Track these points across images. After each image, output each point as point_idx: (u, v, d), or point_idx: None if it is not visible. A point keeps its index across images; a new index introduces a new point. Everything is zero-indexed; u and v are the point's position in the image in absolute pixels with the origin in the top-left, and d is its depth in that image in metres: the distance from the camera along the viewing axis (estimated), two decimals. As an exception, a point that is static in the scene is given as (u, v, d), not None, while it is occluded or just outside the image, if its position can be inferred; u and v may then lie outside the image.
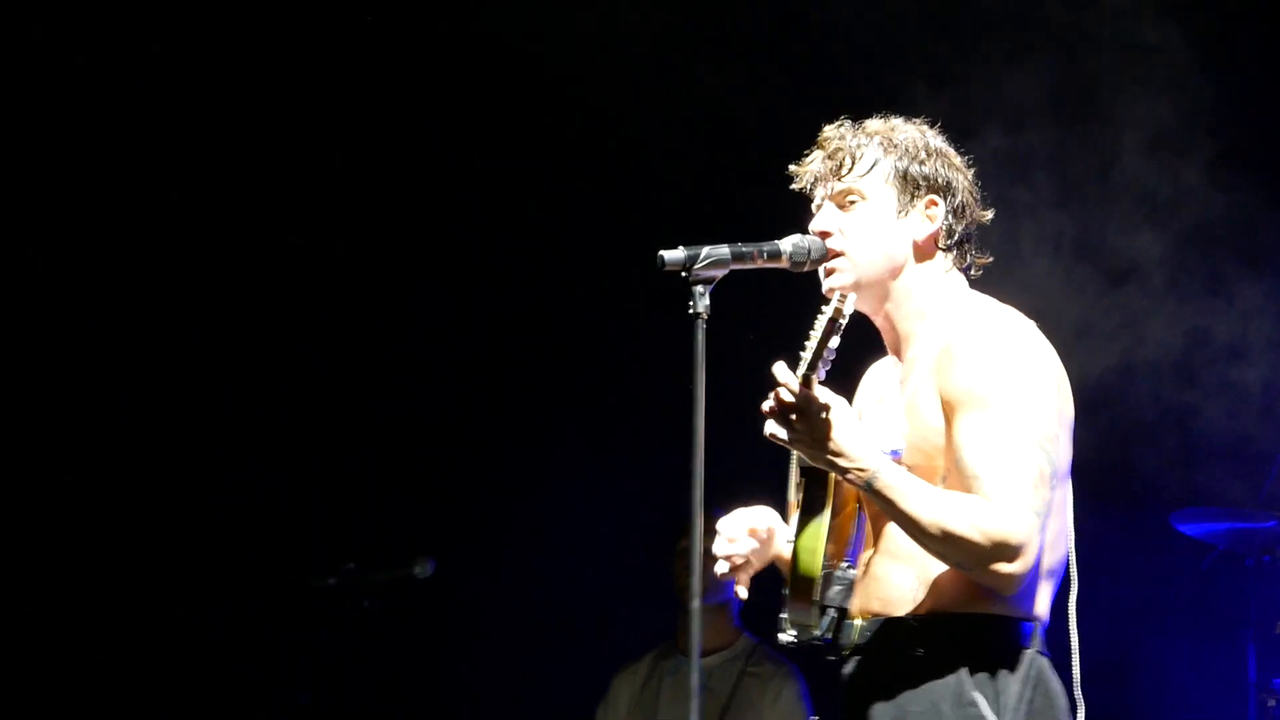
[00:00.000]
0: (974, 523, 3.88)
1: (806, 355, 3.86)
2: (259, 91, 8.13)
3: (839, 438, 3.92)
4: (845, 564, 4.18)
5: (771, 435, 3.97)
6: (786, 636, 4.21)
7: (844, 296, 3.84)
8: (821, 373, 3.87)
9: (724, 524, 4.32)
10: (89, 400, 8.19)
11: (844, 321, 3.83)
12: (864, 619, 4.16)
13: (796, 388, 3.88)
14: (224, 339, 8.27)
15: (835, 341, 3.85)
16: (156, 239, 8.19)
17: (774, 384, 3.92)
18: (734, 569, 4.30)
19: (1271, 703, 6.92)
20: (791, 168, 4.31)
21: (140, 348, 8.21)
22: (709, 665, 7.23)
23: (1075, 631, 4.16)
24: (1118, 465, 7.32)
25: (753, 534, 4.30)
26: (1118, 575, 7.16)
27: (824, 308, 3.83)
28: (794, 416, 3.91)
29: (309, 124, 8.24)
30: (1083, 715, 4.14)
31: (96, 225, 8.11)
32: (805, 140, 4.35)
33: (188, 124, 8.09)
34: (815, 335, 3.85)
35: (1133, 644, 7.31)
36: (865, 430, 4.18)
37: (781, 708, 7.21)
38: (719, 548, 4.30)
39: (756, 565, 4.33)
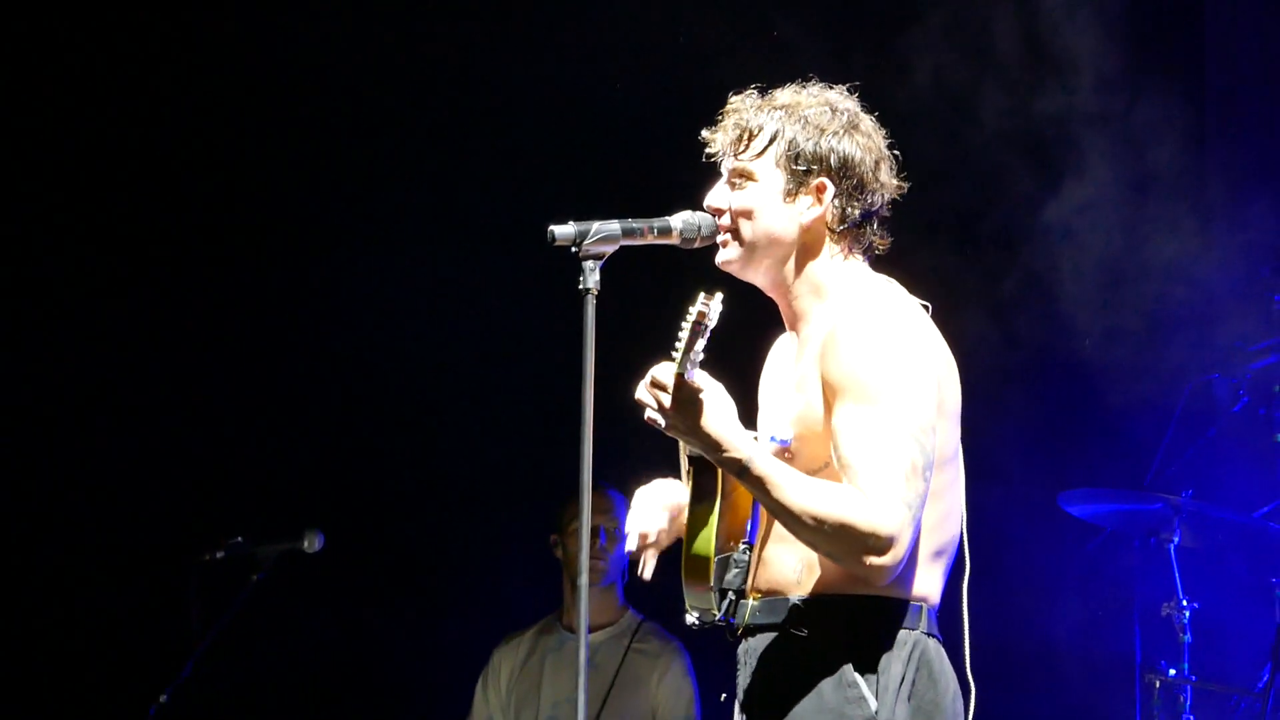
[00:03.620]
0: (845, 513, 3.86)
1: (677, 355, 3.84)
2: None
3: (711, 425, 3.90)
4: (743, 545, 4.18)
5: (649, 420, 3.96)
6: (690, 618, 4.21)
7: (709, 299, 3.79)
8: (690, 372, 3.85)
9: (638, 500, 4.31)
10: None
11: (710, 325, 3.79)
12: (755, 599, 4.16)
13: (670, 376, 3.87)
14: (108, 311, 8.20)
15: (701, 344, 3.81)
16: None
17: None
18: (644, 546, 4.30)
19: (1158, 684, 6.96)
20: (704, 134, 4.27)
21: (26, 322, 8.14)
22: (595, 642, 7.22)
23: (966, 613, 4.16)
24: (1006, 444, 7.36)
25: (665, 510, 4.31)
26: (1004, 556, 7.19)
27: (690, 309, 3.80)
28: (668, 403, 3.89)
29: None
30: (975, 697, 4.15)
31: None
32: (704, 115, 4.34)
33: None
34: (683, 338, 3.83)
35: (1020, 625, 7.35)
36: (764, 419, 4.23)
37: (669, 684, 7.21)
38: (632, 524, 4.29)
39: (666, 542, 4.34)
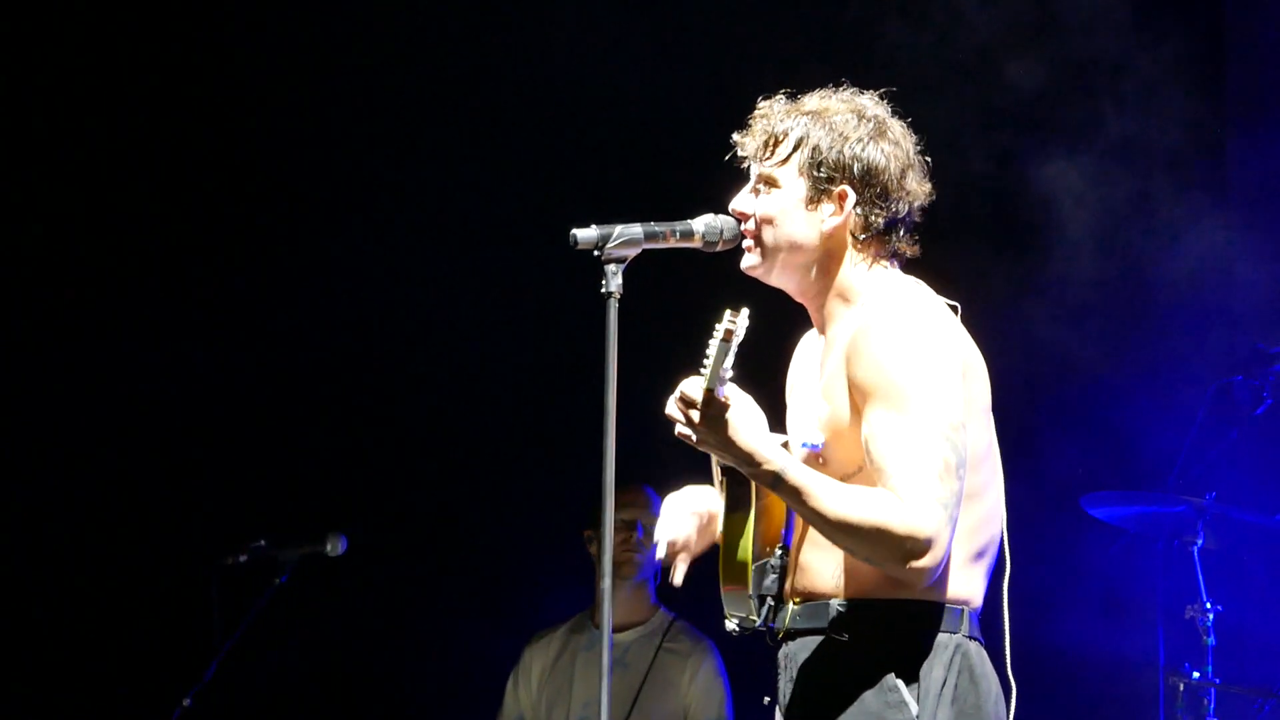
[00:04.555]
0: (881, 518, 3.88)
1: (705, 372, 3.86)
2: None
3: (742, 439, 3.92)
4: (779, 550, 4.21)
5: (680, 434, 3.97)
6: (730, 625, 4.25)
7: (735, 315, 3.81)
8: (720, 388, 3.86)
9: (667, 506, 4.32)
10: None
11: (736, 341, 3.81)
12: (795, 603, 4.18)
13: (700, 391, 3.88)
14: (130, 315, 8.20)
15: (730, 360, 3.83)
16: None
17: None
18: (674, 553, 4.30)
19: (1181, 687, 6.95)
20: (735, 137, 4.28)
21: (48, 327, 8.14)
22: (625, 641, 7.22)
23: (1007, 614, 4.17)
24: (1028, 446, 7.35)
25: (695, 516, 4.31)
26: (1027, 558, 7.17)
27: (717, 325, 3.81)
28: (698, 419, 3.91)
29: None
30: (1015, 698, 4.16)
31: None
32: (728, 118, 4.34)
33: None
34: (711, 355, 3.84)
35: (1043, 627, 7.34)
36: (791, 422, 4.26)
37: (700, 684, 7.19)
38: (661, 532, 4.29)
39: (696, 549, 4.34)
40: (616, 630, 7.23)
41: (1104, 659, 7.55)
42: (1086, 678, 7.57)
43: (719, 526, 4.28)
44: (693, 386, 3.90)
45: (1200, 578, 7.02)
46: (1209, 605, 6.97)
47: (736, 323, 3.79)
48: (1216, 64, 7.72)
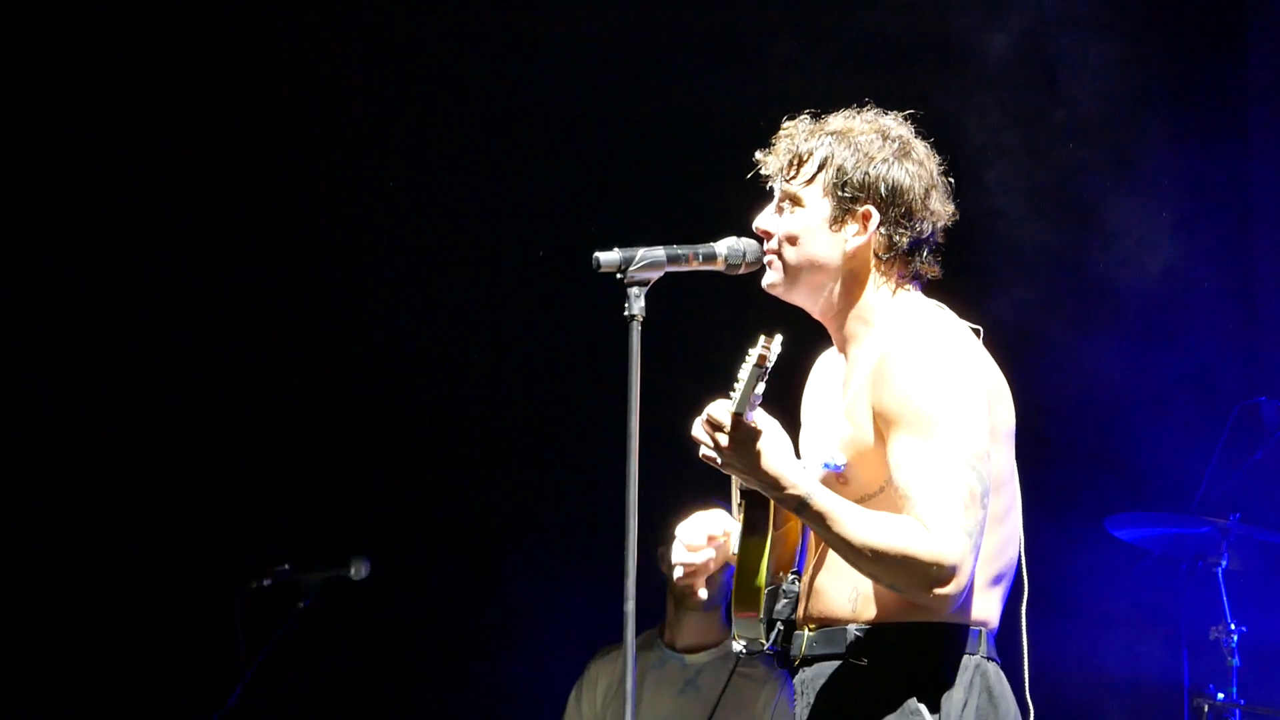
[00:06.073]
0: (906, 545, 3.89)
1: (735, 396, 3.86)
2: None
3: (769, 463, 3.92)
4: (791, 576, 4.21)
5: (705, 457, 3.98)
6: (737, 646, 4.24)
7: (769, 341, 3.81)
8: (750, 415, 3.87)
9: (682, 531, 4.32)
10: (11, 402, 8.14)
11: (769, 366, 3.81)
12: (810, 630, 4.18)
13: (727, 415, 3.88)
14: (155, 338, 8.22)
15: (762, 386, 3.83)
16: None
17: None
18: (692, 575, 4.31)
19: (1206, 708, 6.94)
20: (758, 155, 4.29)
21: (67, 346, 8.16)
22: (698, 663, 7.18)
23: (1025, 636, 4.17)
24: (1051, 468, 7.34)
25: (710, 540, 4.31)
26: (1051, 581, 7.17)
27: (750, 350, 3.81)
28: (725, 443, 3.91)
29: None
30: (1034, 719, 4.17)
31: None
32: (748, 140, 4.35)
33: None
34: (742, 379, 3.84)
35: (1066, 649, 7.33)
36: (808, 440, 4.27)
37: (776, 711, 7.13)
38: (678, 555, 4.30)
39: (714, 568, 4.34)
40: (689, 651, 7.21)
41: (1128, 680, 7.54)
42: (1111, 699, 7.55)
43: (733, 546, 4.29)
44: (720, 410, 3.90)
45: (1224, 599, 7.01)
46: (1233, 626, 6.96)
47: (770, 349, 3.80)
48: (1241, 88, 7.73)
